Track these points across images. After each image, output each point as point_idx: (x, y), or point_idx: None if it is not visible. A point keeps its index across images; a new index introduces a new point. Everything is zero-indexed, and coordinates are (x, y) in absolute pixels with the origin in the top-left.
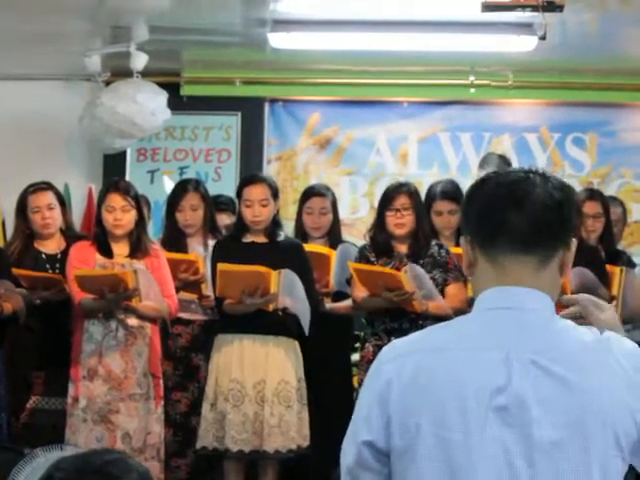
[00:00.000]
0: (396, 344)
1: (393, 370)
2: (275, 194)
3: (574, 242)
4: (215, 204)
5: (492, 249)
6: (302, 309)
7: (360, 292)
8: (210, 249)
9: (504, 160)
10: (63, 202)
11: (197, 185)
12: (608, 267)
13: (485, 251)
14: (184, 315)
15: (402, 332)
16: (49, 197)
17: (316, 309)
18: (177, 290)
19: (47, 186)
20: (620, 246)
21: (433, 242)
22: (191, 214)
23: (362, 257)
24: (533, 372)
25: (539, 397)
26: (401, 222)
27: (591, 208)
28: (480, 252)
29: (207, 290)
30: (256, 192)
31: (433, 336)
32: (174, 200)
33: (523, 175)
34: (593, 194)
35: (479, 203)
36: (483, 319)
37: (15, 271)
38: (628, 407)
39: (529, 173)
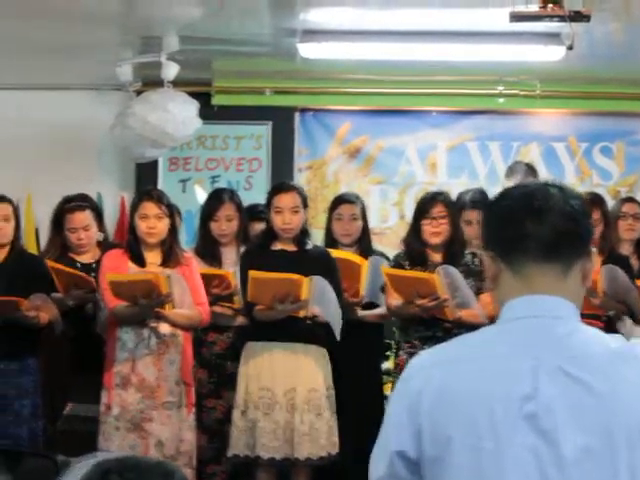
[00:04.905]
0: (422, 356)
1: (421, 382)
2: (305, 203)
3: (594, 252)
4: (252, 213)
5: (515, 259)
6: (334, 315)
7: (394, 299)
8: None
9: (530, 168)
10: (100, 215)
11: (232, 195)
12: None
13: (508, 261)
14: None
15: (436, 340)
16: (86, 218)
17: (343, 316)
18: (210, 304)
19: (84, 204)
20: None
21: (467, 251)
22: (227, 224)
23: (397, 265)
24: (561, 379)
25: (567, 404)
26: (437, 231)
27: (630, 208)
28: (503, 263)
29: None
30: (286, 200)
31: (458, 347)
32: (209, 210)
33: (541, 186)
34: (631, 197)
35: (500, 215)
36: (511, 328)
37: (49, 263)
38: None
39: (547, 185)
